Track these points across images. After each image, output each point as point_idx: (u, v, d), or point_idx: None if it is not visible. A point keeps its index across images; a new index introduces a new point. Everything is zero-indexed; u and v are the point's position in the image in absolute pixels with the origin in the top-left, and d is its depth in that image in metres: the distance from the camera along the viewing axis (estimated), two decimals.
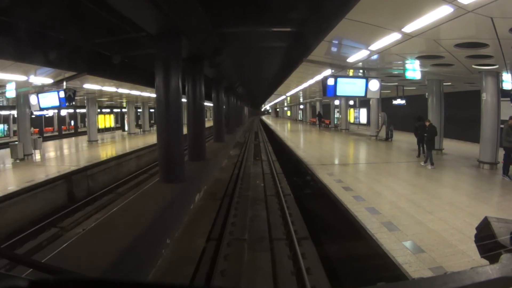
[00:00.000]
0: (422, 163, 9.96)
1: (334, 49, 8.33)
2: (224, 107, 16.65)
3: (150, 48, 6.69)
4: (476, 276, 0.65)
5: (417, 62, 9.05)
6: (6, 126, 29.00)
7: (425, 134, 10.16)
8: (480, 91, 9.79)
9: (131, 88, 15.88)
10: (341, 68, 10.90)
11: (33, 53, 6.74)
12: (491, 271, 0.67)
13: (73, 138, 25.45)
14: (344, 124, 24.86)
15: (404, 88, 15.24)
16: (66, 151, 16.67)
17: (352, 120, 29.49)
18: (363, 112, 28.93)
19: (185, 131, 7.38)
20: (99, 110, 26.27)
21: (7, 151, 13.21)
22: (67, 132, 35.78)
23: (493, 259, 0.81)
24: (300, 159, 11.65)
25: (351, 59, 8.94)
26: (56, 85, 9.69)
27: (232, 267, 4.46)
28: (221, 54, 8.97)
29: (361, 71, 11.28)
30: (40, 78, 9.60)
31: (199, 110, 9.54)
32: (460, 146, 14.33)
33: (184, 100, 8.73)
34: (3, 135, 28.21)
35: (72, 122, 39.09)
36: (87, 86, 13.48)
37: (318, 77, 13.34)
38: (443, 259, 3.88)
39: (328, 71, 11.34)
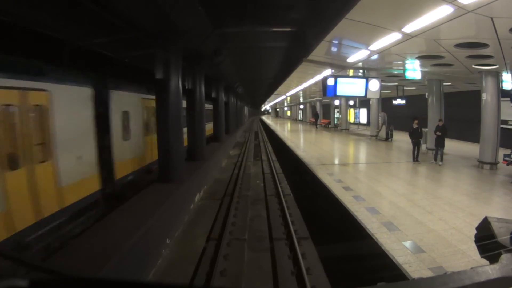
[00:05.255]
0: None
1: (334, 49, 8.33)
2: (224, 107, 16.63)
3: (150, 48, 6.68)
4: (476, 276, 0.65)
5: (417, 62, 9.05)
6: None
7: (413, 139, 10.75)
8: (480, 91, 9.80)
9: None
10: (341, 68, 10.91)
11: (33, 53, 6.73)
12: (491, 271, 0.67)
13: None
14: (344, 124, 24.87)
15: (404, 88, 15.24)
16: None
17: (352, 120, 29.51)
18: (363, 112, 28.94)
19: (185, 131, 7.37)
20: None
21: None
22: None
23: (493, 259, 0.81)
24: (300, 159, 11.65)
25: (351, 59, 8.94)
26: None
27: (232, 267, 4.45)
28: (221, 54, 8.96)
29: (361, 71, 11.28)
30: None
31: (199, 110, 9.53)
32: (460, 146, 14.33)
33: (184, 100, 8.73)
34: None
35: None
36: None
37: (318, 77, 13.35)
38: (443, 259, 3.88)
39: (328, 71, 11.37)
